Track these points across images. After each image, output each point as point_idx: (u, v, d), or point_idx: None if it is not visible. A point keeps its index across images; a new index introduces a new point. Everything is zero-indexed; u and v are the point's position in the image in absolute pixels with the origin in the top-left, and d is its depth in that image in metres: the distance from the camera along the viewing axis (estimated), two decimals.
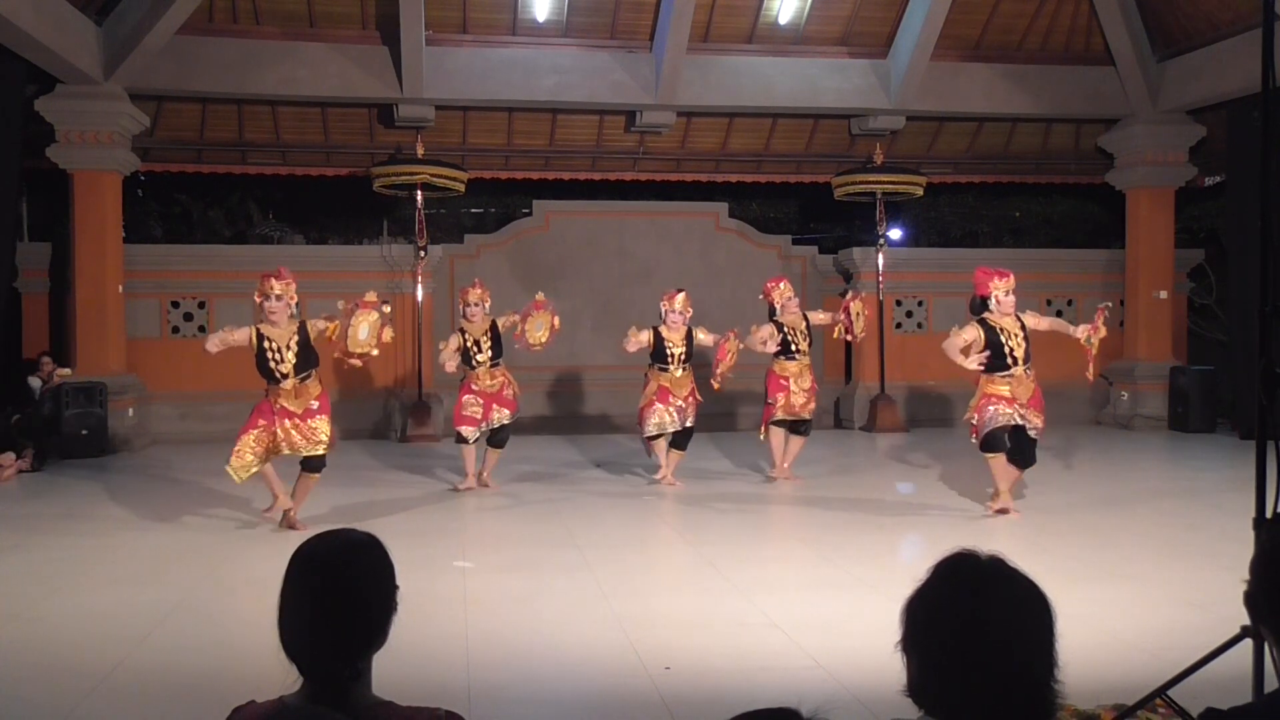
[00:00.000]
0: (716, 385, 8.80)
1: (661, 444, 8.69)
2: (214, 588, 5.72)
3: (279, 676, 1.68)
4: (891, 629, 1.52)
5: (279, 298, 6.79)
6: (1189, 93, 12.10)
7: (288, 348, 6.77)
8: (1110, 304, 7.87)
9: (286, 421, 6.77)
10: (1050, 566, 5.92)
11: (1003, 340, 7.08)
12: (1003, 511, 7.24)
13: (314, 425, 6.83)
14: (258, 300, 6.87)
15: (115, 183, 11.27)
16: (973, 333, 7.10)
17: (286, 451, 6.83)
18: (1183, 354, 13.54)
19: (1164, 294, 13.04)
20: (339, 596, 1.67)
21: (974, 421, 7.21)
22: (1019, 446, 7.20)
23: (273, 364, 6.75)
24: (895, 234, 16.18)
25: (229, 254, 12.97)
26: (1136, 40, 12.16)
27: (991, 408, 7.08)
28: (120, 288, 11.34)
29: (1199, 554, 6.19)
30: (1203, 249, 14.21)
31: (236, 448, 6.72)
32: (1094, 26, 12.38)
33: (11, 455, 9.34)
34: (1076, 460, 10.25)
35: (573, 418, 12.72)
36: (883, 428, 12.57)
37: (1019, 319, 7.22)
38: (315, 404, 6.86)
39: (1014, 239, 16.41)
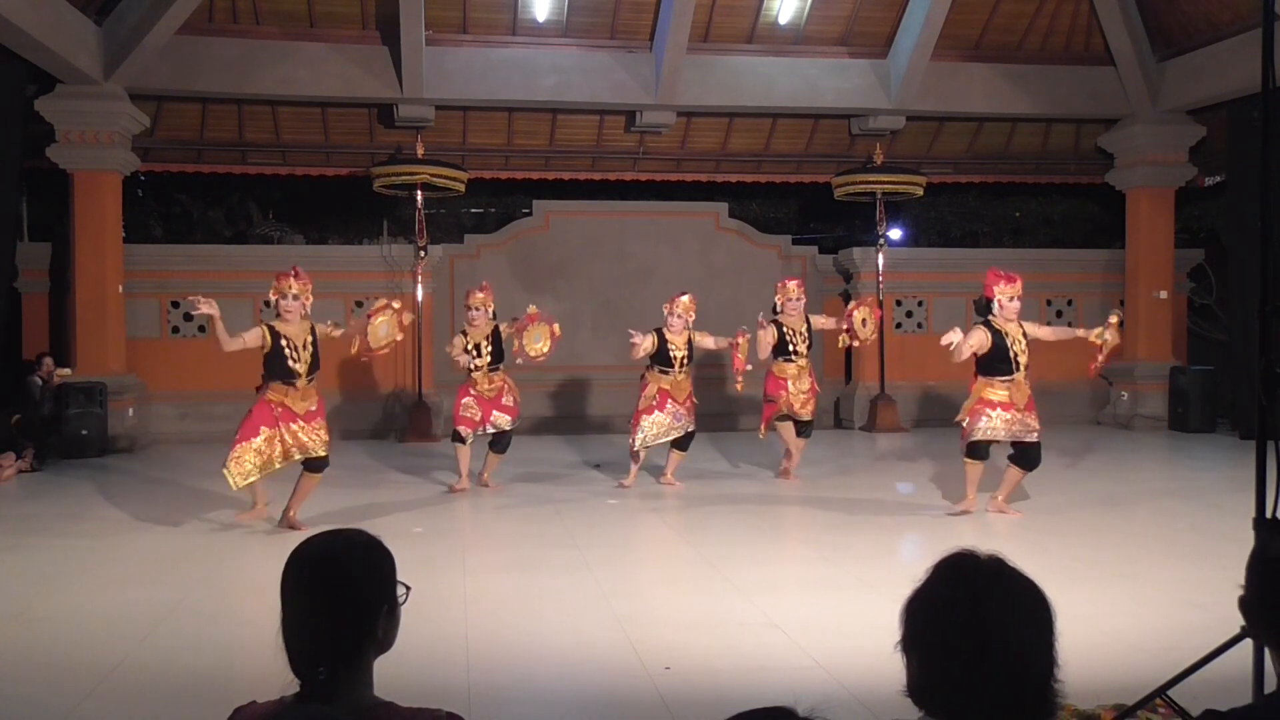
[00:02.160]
0: (740, 387, 8.86)
1: (643, 455, 8.63)
2: (214, 588, 5.72)
3: (279, 676, 1.68)
4: (891, 629, 1.51)
5: (295, 297, 6.82)
6: (1189, 93, 12.10)
7: (304, 346, 6.79)
8: (1121, 313, 7.81)
9: (293, 425, 6.76)
10: (1050, 566, 5.92)
11: (1007, 345, 7.08)
12: (965, 512, 7.29)
13: (316, 426, 6.85)
14: (273, 298, 6.91)
15: (115, 183, 11.27)
16: (980, 337, 7.09)
17: (298, 457, 6.81)
18: (1183, 354, 13.54)
19: (1164, 294, 13.04)
20: (334, 596, 1.66)
21: (964, 424, 7.23)
22: (1022, 451, 7.21)
23: (291, 361, 6.73)
24: (895, 234, 16.17)
25: (229, 254, 12.96)
26: (1136, 40, 12.16)
27: (984, 419, 7.10)
28: (120, 288, 11.34)
29: (1199, 554, 6.19)
30: (1203, 249, 14.20)
31: (235, 454, 6.67)
32: (1094, 26, 12.38)
33: (11, 455, 9.35)
34: (1076, 460, 10.25)
35: (573, 418, 12.72)
36: (883, 428, 12.57)
37: (1021, 325, 7.22)
38: (315, 407, 6.88)
39: (1014, 239, 16.41)
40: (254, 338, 6.76)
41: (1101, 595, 5.27)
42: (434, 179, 11.78)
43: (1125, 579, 5.68)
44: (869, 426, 12.73)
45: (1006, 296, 7.13)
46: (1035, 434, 7.18)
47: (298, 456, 6.80)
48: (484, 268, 12.90)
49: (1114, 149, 13.26)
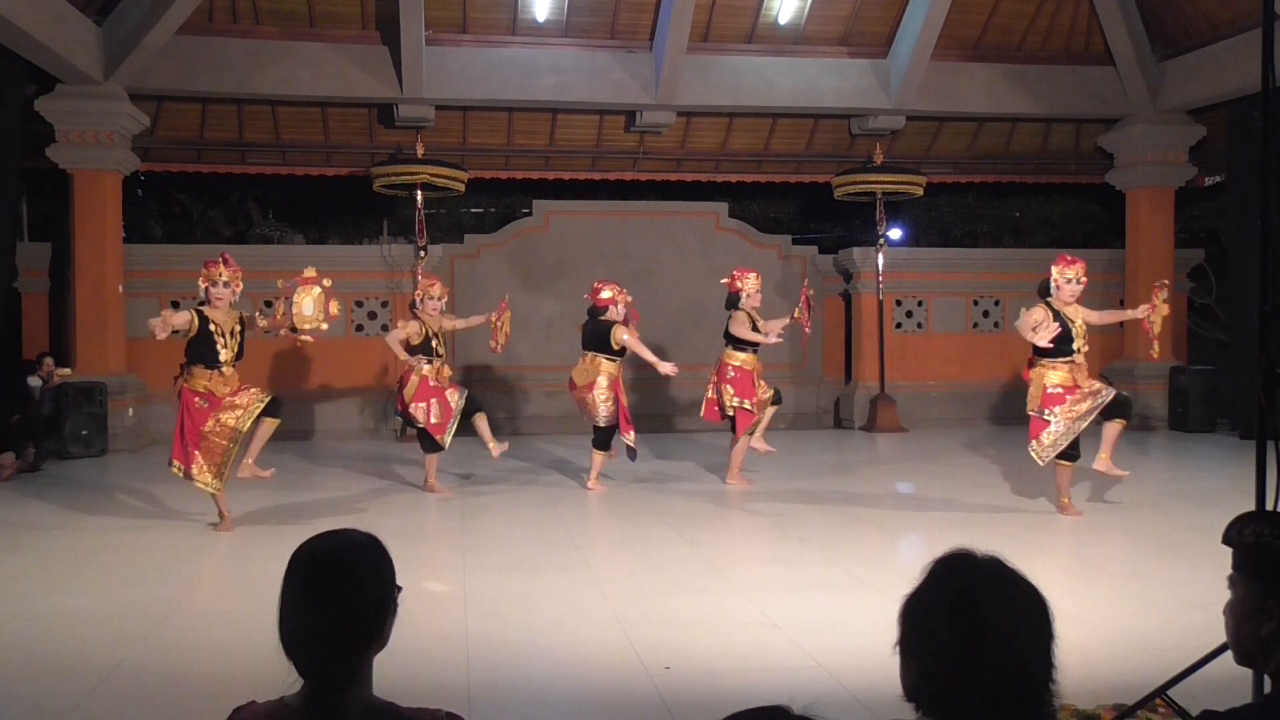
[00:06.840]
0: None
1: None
2: (214, 588, 5.73)
3: (279, 676, 1.68)
4: (891, 629, 1.51)
5: (226, 284, 6.88)
6: (1189, 93, 12.10)
7: (231, 334, 6.88)
8: (1166, 281, 7.80)
9: (223, 406, 6.79)
10: (1050, 566, 5.93)
11: (1070, 327, 7.16)
12: (1074, 515, 7.33)
13: (246, 391, 6.93)
14: (203, 285, 6.91)
15: (115, 183, 11.27)
16: (1040, 314, 7.15)
17: (248, 424, 6.83)
18: (1183, 354, 13.53)
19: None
20: (339, 597, 1.67)
21: (1041, 415, 7.19)
22: (1112, 406, 7.23)
23: (219, 347, 6.82)
24: (895, 234, 16.18)
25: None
26: (1136, 40, 12.16)
27: (1060, 419, 7.11)
28: (120, 288, 11.33)
29: (1199, 554, 6.17)
30: (1203, 249, 14.21)
31: (194, 470, 6.72)
32: (1094, 26, 12.38)
33: (11, 455, 9.34)
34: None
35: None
36: (883, 428, 12.56)
37: (1079, 309, 7.31)
38: (238, 385, 6.94)
39: (1014, 239, 16.43)
40: (181, 320, 6.77)
41: (1101, 595, 5.27)
42: (434, 179, 11.78)
43: (1125, 579, 5.68)
44: (869, 426, 12.72)
45: (1064, 279, 7.21)
46: (1108, 392, 7.21)
47: (248, 423, 6.83)
48: (484, 268, 12.91)
49: (1114, 149, 13.26)
